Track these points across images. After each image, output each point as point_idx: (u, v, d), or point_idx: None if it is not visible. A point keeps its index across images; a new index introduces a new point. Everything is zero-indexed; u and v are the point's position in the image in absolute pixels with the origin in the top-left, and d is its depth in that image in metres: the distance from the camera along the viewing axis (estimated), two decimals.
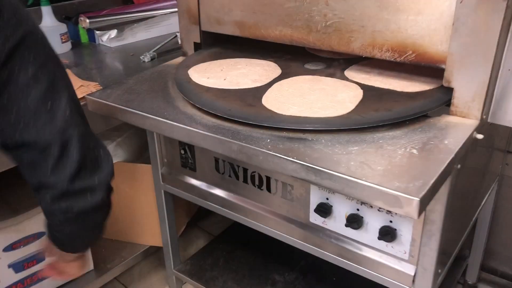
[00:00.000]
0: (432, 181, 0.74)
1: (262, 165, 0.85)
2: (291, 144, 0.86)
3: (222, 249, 1.61)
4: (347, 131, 0.89)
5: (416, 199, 0.70)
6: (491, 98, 0.93)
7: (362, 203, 0.97)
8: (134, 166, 1.44)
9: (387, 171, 0.76)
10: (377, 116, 0.90)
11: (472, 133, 0.89)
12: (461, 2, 0.85)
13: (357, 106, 0.93)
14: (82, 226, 0.78)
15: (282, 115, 0.92)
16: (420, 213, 0.71)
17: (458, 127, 0.90)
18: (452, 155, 0.81)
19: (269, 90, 1.02)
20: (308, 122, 0.89)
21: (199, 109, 1.00)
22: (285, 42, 1.12)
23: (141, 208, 1.50)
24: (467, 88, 0.90)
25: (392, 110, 0.91)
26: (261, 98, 0.99)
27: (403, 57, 0.96)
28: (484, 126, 0.93)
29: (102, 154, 0.78)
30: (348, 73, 1.11)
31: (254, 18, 1.14)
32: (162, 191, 1.39)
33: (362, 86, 1.02)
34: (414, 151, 0.82)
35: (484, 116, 0.93)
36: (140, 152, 1.54)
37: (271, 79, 1.08)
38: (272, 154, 0.83)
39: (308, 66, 1.17)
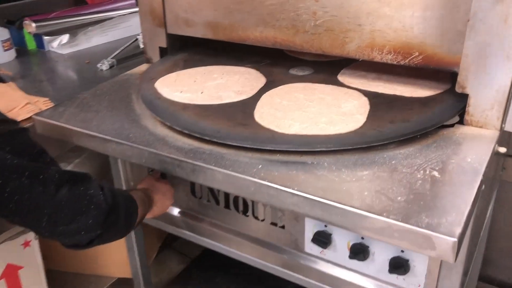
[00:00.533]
0: (466, 213, 0.61)
1: (255, 197, 0.70)
2: (288, 170, 0.71)
3: (199, 276, 1.45)
4: (352, 151, 0.75)
5: (452, 240, 0.57)
6: (508, 105, 0.81)
7: None
8: None
9: (411, 203, 0.63)
10: (398, 129, 0.77)
11: (494, 146, 0.76)
12: None
13: (368, 118, 0.80)
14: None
15: (285, 134, 0.77)
16: (457, 255, 0.58)
17: (477, 140, 0.78)
18: (480, 177, 0.68)
19: (259, 103, 0.87)
20: (320, 142, 0.75)
21: (172, 129, 0.83)
22: (267, 45, 0.97)
23: None
24: (484, 94, 0.78)
25: (410, 120, 0.79)
26: (252, 114, 0.84)
27: (408, 60, 0.83)
28: (504, 136, 0.82)
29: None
30: (342, 78, 0.97)
31: (229, 18, 0.99)
32: None
33: (365, 93, 0.90)
34: (435, 173, 0.69)
35: (504, 126, 0.81)
36: (102, 173, 1.36)
37: (257, 89, 0.93)
38: (267, 185, 0.68)
39: (293, 71, 1.03)
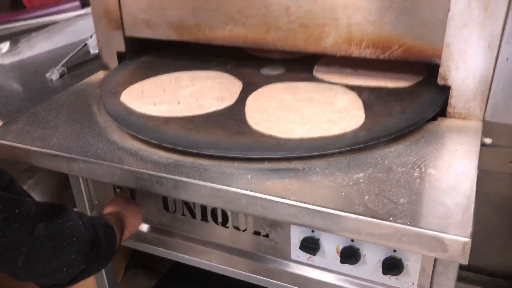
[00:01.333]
0: (472, 210, 0.59)
1: (247, 210, 0.65)
2: (280, 179, 0.66)
3: None
4: (342, 153, 0.71)
5: (465, 240, 0.54)
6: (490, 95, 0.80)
7: None
8: None
9: (414, 204, 0.60)
10: (406, 119, 0.76)
11: (481, 137, 0.75)
12: None
13: (366, 113, 0.78)
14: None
15: (291, 139, 0.72)
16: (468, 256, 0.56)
17: (463, 133, 0.76)
18: (475, 170, 0.67)
19: (248, 109, 0.82)
20: (333, 143, 0.71)
21: (144, 142, 0.76)
22: (237, 44, 0.92)
23: None
24: (467, 85, 0.77)
25: (407, 111, 0.78)
26: (245, 120, 0.78)
27: (387, 54, 0.81)
28: (487, 127, 0.81)
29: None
30: (319, 74, 0.94)
31: (195, 17, 0.92)
32: None
33: (349, 87, 0.87)
34: (431, 170, 0.67)
35: (486, 116, 0.80)
36: (60, 193, 1.26)
37: (237, 94, 0.87)
38: (261, 197, 0.63)
39: (265, 71, 0.98)
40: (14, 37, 1.38)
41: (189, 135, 0.75)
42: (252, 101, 0.84)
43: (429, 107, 0.79)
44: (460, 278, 1.53)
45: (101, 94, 0.90)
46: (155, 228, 1.02)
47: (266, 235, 0.90)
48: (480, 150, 0.73)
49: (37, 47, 1.42)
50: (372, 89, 0.86)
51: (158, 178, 0.69)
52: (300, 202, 0.61)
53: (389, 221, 0.57)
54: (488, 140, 0.78)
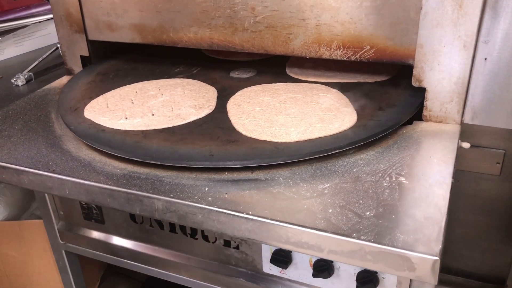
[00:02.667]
0: (443, 224, 0.54)
1: (203, 226, 0.60)
2: (240, 191, 0.61)
3: None
4: (308, 161, 0.66)
5: (433, 259, 0.49)
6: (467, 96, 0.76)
7: None
8: (21, 224, 1.10)
9: (381, 217, 0.55)
10: (394, 116, 0.74)
11: (458, 142, 0.71)
12: None
13: (356, 109, 0.76)
14: None
15: (289, 143, 0.68)
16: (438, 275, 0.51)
17: (439, 137, 0.72)
18: (450, 179, 0.62)
19: (231, 115, 0.77)
20: (335, 142, 0.68)
21: (100, 152, 0.71)
22: (203, 46, 0.87)
23: (38, 275, 1.16)
24: (442, 86, 0.73)
25: (397, 104, 0.76)
26: (233, 127, 0.73)
27: (358, 55, 0.76)
28: (465, 130, 0.76)
29: None
30: (294, 74, 0.92)
31: (158, 19, 0.88)
32: (63, 252, 1.07)
33: (329, 84, 0.85)
34: (402, 179, 0.62)
35: (464, 119, 0.76)
36: (27, 203, 1.20)
37: (214, 100, 0.82)
38: (216, 211, 0.58)
39: (235, 75, 0.93)
40: None
41: (176, 149, 0.68)
42: (233, 106, 0.79)
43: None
44: (448, 283, 1.49)
45: (60, 112, 0.82)
46: (124, 241, 0.98)
47: (237, 247, 0.85)
48: (464, 152, 0.68)
49: (6, 51, 1.37)
50: (353, 85, 0.85)
51: (110, 191, 0.64)
52: (258, 216, 0.56)
53: (353, 237, 0.52)
54: (466, 145, 0.74)
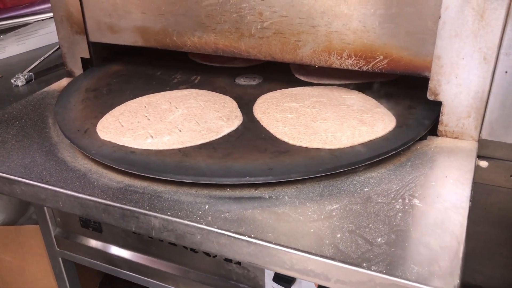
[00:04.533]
0: (461, 255, 0.50)
1: (202, 247, 0.56)
2: (243, 210, 0.57)
3: None
4: (316, 178, 0.62)
5: None
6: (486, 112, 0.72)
7: None
8: (17, 229, 1.07)
9: (393, 245, 0.51)
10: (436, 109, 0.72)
11: (475, 161, 0.67)
12: None
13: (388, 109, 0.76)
14: None
15: (344, 148, 0.66)
16: None
17: (455, 154, 0.68)
18: (468, 202, 0.58)
19: (267, 124, 0.73)
20: (390, 144, 0.67)
21: (96, 162, 0.68)
22: (207, 51, 0.83)
23: (34, 281, 1.13)
24: (459, 101, 0.68)
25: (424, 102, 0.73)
26: (275, 138, 0.69)
27: (371, 65, 0.72)
28: (482, 147, 0.72)
29: None
30: (305, 78, 0.90)
31: (161, 22, 0.84)
32: (60, 259, 1.04)
33: (344, 86, 0.85)
34: (416, 201, 0.58)
35: (482, 134, 0.71)
36: (24, 207, 1.17)
37: (237, 110, 0.78)
38: (216, 232, 0.54)
39: (242, 82, 0.90)
40: None
41: (228, 165, 0.63)
42: (262, 115, 0.75)
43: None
44: None
45: (68, 136, 0.73)
46: (123, 251, 0.94)
47: (238, 263, 0.82)
48: (476, 172, 0.65)
49: (7, 50, 1.34)
50: (371, 85, 0.85)
51: (105, 206, 0.60)
52: (261, 240, 0.52)
53: (362, 267, 0.48)
54: (483, 164, 0.70)
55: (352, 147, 0.66)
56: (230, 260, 0.82)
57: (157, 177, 0.62)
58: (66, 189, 0.63)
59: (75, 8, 0.90)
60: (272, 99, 0.81)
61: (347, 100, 0.78)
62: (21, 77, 1.13)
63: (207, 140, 0.69)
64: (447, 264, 0.48)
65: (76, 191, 0.62)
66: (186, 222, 0.56)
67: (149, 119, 0.75)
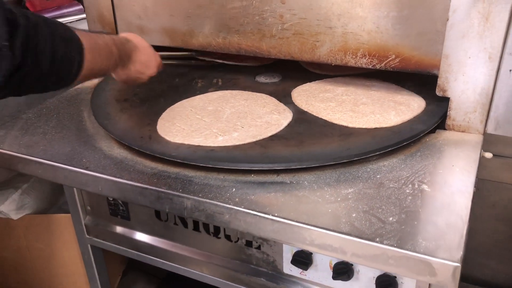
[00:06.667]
0: (464, 232, 0.56)
1: (230, 225, 0.63)
2: (266, 193, 0.64)
3: None
4: (333, 166, 0.68)
5: (455, 265, 0.51)
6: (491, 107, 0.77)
7: None
8: (49, 217, 1.14)
9: (404, 223, 0.57)
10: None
11: (480, 152, 0.72)
12: None
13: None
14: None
15: (397, 126, 0.76)
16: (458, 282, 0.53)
17: (461, 146, 0.73)
18: (472, 188, 0.63)
19: (317, 113, 0.81)
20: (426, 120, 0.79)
21: (131, 150, 0.74)
22: (231, 51, 0.90)
23: (64, 267, 1.20)
24: (466, 97, 0.74)
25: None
26: (332, 124, 0.78)
27: (384, 64, 0.78)
28: (487, 140, 0.77)
29: None
30: (321, 71, 0.99)
31: (188, 24, 0.90)
32: (89, 246, 1.10)
33: (359, 75, 0.95)
34: (425, 186, 0.64)
35: (487, 129, 0.77)
36: (55, 197, 1.24)
37: (280, 104, 0.85)
38: (243, 211, 0.60)
39: (262, 80, 0.96)
40: None
41: (311, 151, 0.70)
42: (307, 105, 0.83)
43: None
44: None
45: (138, 144, 0.74)
46: (148, 237, 1.00)
47: (258, 247, 0.87)
48: (485, 161, 0.70)
49: None
50: (378, 73, 0.90)
51: (141, 189, 0.67)
52: (284, 218, 0.58)
53: (376, 242, 0.54)
54: (488, 155, 0.75)
55: (402, 124, 0.75)
56: (250, 245, 0.88)
57: (271, 168, 0.67)
58: (106, 174, 0.69)
59: (107, 10, 0.96)
60: (305, 92, 0.88)
61: (372, 86, 0.87)
62: None
63: (274, 132, 0.75)
64: (452, 239, 0.54)
65: (114, 176, 0.69)
66: (216, 202, 0.62)
67: (204, 120, 0.80)
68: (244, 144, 0.72)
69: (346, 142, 0.71)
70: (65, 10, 1.52)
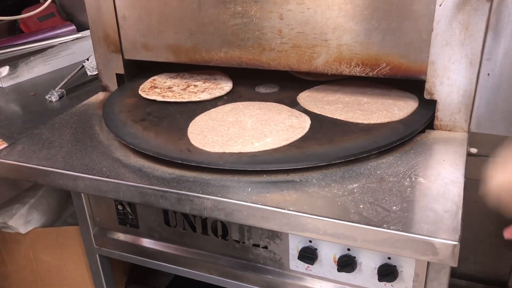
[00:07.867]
0: (460, 214, 0.63)
1: (247, 222, 0.68)
2: (279, 191, 0.70)
3: None
4: (337, 165, 0.75)
5: (454, 243, 0.58)
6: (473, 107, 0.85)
7: None
8: (57, 230, 1.17)
9: (406, 211, 0.64)
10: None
11: (467, 147, 0.80)
12: (440, 5, 0.76)
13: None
14: None
15: (406, 118, 0.87)
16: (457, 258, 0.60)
17: (450, 143, 0.81)
18: (463, 178, 0.71)
19: (331, 115, 0.90)
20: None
21: (148, 158, 0.80)
22: (232, 65, 0.96)
23: (70, 278, 1.23)
24: (451, 99, 0.82)
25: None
26: (346, 122, 0.87)
27: (376, 71, 0.86)
28: (473, 137, 0.85)
29: None
30: (313, 78, 1.07)
31: (192, 40, 0.97)
32: (97, 256, 1.14)
33: (352, 79, 1.03)
34: (421, 179, 0.71)
35: (471, 127, 0.85)
36: (60, 210, 1.28)
37: (296, 111, 0.93)
38: (261, 208, 0.66)
39: (262, 90, 1.03)
40: (13, 61, 1.41)
41: (342, 147, 0.77)
42: (318, 109, 0.91)
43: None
44: (453, 286, 1.56)
45: (179, 157, 0.78)
46: (156, 243, 1.05)
47: (265, 247, 0.93)
48: (467, 160, 0.77)
49: (35, 70, 1.46)
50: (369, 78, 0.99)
51: (162, 192, 0.72)
52: (299, 212, 0.64)
53: (383, 227, 0.61)
54: (473, 150, 0.83)
55: (409, 116, 0.86)
56: (257, 245, 0.93)
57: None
58: (127, 181, 0.74)
59: (112, 30, 1.02)
60: (309, 97, 0.96)
61: (365, 88, 0.96)
62: (55, 93, 1.25)
63: (301, 135, 0.82)
64: (450, 222, 0.61)
65: (136, 182, 0.74)
66: (234, 201, 0.68)
67: (232, 130, 0.84)
68: (280, 147, 0.78)
69: (370, 136, 0.80)
70: (59, 31, 1.57)
